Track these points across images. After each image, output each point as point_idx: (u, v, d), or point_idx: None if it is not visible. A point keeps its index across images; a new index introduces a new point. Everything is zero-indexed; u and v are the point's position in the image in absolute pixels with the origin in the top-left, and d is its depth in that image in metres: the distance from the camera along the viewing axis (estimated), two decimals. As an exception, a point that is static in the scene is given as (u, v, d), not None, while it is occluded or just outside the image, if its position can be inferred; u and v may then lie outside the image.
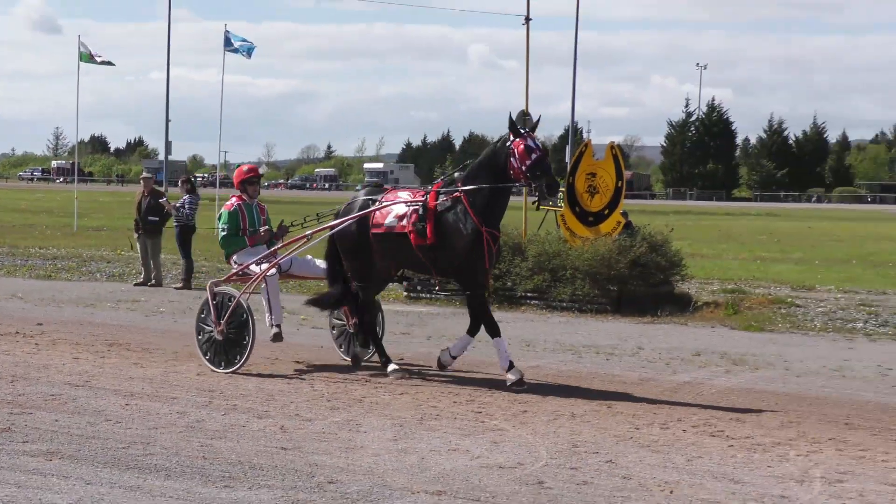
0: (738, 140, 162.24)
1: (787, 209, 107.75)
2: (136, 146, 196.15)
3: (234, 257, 14.90)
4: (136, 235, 25.42)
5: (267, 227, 14.98)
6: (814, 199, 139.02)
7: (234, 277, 14.99)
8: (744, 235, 50.50)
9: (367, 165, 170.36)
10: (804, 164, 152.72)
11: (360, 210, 14.46)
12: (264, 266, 14.46)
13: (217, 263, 29.26)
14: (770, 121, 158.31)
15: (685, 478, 9.55)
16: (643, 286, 21.43)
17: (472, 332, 13.97)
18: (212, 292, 14.46)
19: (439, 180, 14.73)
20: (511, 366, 13.48)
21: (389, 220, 14.05)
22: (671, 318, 20.40)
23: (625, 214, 23.13)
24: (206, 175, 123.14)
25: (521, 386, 13.26)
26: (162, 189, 26.07)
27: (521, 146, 13.63)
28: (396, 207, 14.09)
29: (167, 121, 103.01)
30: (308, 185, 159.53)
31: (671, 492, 9.11)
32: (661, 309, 21.02)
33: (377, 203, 14.32)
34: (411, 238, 13.74)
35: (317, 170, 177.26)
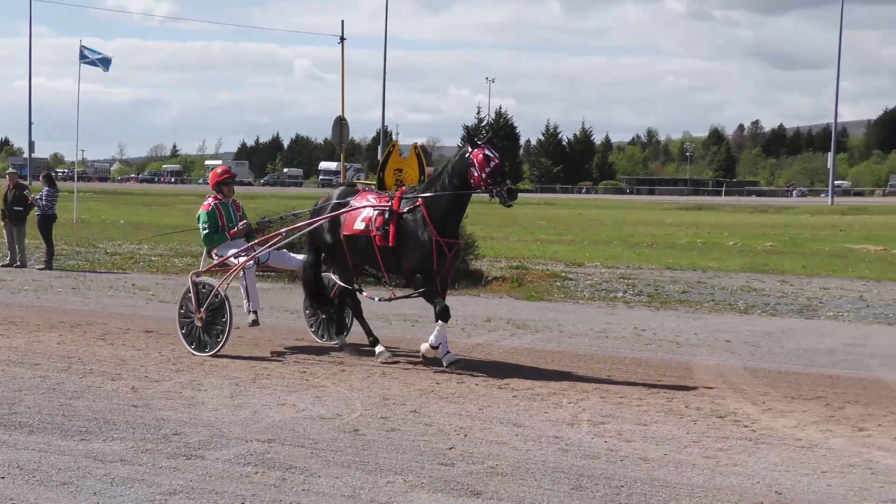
0: (521, 141, 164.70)
1: (562, 199, 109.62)
2: (3, 145, 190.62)
3: (215, 251, 14.17)
4: (2, 223, 24.70)
5: (245, 221, 14.40)
6: (583, 190, 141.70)
7: (214, 269, 14.12)
8: (526, 221, 51.11)
9: (208, 162, 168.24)
10: (575, 162, 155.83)
11: (332, 211, 13.62)
12: (242, 258, 13.62)
13: (76, 247, 28.60)
14: (547, 125, 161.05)
15: (477, 423, 9.65)
16: (442, 264, 21.58)
17: (437, 318, 12.79)
18: (192, 282, 13.40)
19: (403, 187, 14.01)
20: (446, 352, 12.64)
21: (357, 223, 13.21)
22: (466, 291, 20.57)
23: (427, 204, 23.24)
24: (65, 171, 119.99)
25: (456, 364, 12.49)
26: (26, 182, 25.37)
27: (480, 156, 12.96)
28: (365, 211, 13.27)
29: (30, 123, 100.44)
30: (156, 179, 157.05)
31: (465, 435, 9.19)
32: (458, 283, 21.16)
33: (349, 206, 13.49)
34: (376, 240, 12.96)
35: (164, 166, 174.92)
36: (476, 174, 12.93)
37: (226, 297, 13.08)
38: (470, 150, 13.18)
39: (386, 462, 8.25)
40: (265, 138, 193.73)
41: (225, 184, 14.34)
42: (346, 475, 7.87)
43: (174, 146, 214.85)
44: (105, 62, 40.81)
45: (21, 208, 24.24)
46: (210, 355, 12.82)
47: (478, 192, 13.14)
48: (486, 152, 13.05)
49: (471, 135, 13.40)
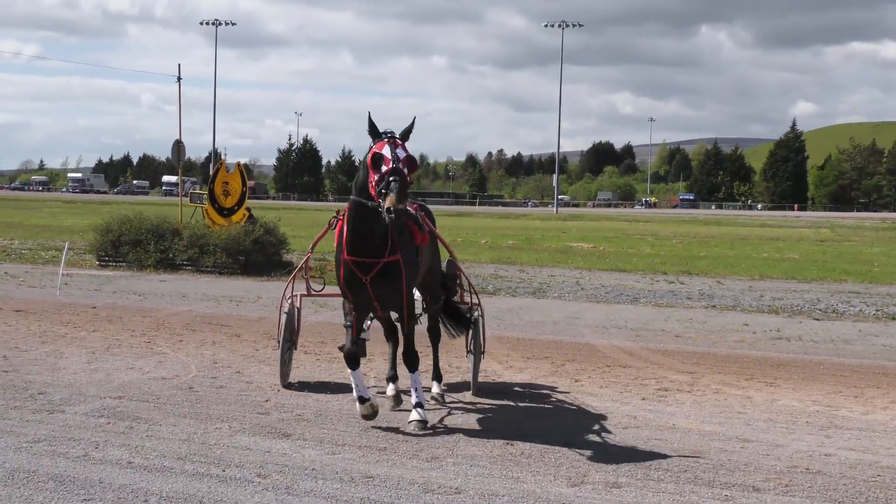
0: (324, 162, 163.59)
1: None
2: None
3: None
4: None
5: None
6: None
7: None
8: (325, 223, 50.82)
9: (70, 174, 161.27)
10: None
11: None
12: None
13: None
14: (343, 150, 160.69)
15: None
16: (262, 256, 21.27)
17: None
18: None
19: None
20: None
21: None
22: (280, 277, 20.27)
23: (248, 209, 22.85)
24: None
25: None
26: None
27: (371, 156, 7.43)
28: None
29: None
30: (26, 188, 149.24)
31: (278, 390, 9.06)
32: (273, 271, 20.89)
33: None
34: None
35: (33, 177, 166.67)
36: (372, 181, 7.39)
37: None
38: (370, 145, 7.59)
39: (215, 412, 8.04)
40: (118, 156, 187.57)
41: None
42: (182, 423, 7.63)
43: (41, 161, 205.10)
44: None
45: None
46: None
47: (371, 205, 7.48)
48: (379, 151, 7.40)
49: (372, 122, 7.64)
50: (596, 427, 7.99)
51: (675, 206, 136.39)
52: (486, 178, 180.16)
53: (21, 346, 10.96)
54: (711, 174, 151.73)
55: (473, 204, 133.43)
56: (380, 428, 7.68)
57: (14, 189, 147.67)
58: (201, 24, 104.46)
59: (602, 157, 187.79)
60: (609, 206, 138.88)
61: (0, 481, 5.98)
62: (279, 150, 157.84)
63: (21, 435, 7.08)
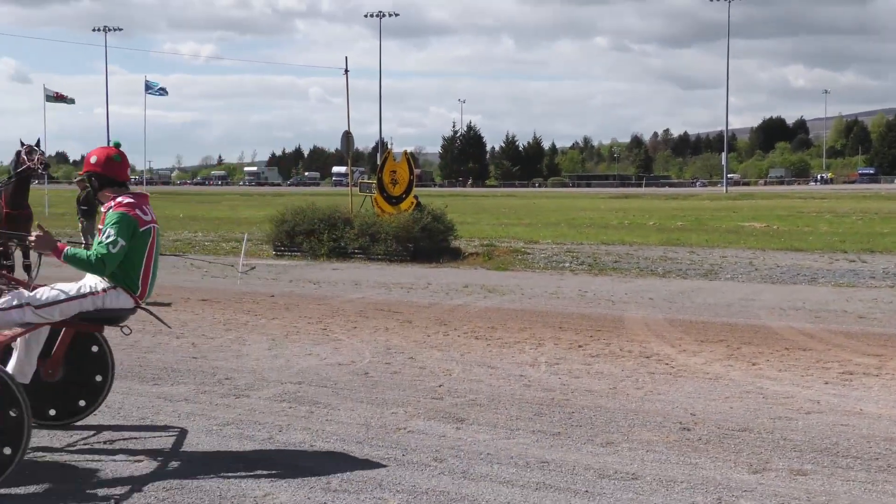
0: (488, 148, 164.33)
1: (520, 192, 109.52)
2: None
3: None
4: (79, 220, 24.62)
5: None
6: (536, 185, 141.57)
7: None
8: (492, 209, 51.05)
9: (246, 168, 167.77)
10: (529, 163, 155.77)
11: None
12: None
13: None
14: (506, 135, 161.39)
15: (459, 366, 9.60)
16: (430, 243, 21.54)
17: None
18: None
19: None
20: None
21: None
22: (448, 264, 20.52)
23: (416, 197, 23.19)
24: (136, 177, 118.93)
25: None
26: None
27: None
28: None
29: (108, 141, 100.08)
30: (206, 183, 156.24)
31: (450, 375, 9.15)
32: (442, 258, 21.15)
33: None
34: None
35: (212, 172, 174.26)
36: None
37: None
38: None
39: (390, 397, 8.20)
40: (289, 149, 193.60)
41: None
42: (360, 408, 7.81)
43: (220, 156, 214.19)
44: (162, 90, 40.73)
45: (86, 207, 24.17)
46: None
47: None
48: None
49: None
50: (776, 412, 7.71)
51: (853, 182, 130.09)
52: (652, 159, 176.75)
53: (207, 334, 11.49)
54: (893, 146, 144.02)
55: (640, 185, 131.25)
56: (553, 412, 7.66)
57: (196, 184, 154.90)
58: (365, 16, 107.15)
59: (773, 132, 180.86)
60: (781, 183, 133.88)
61: (195, 462, 6.29)
62: (444, 138, 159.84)
63: (211, 418, 7.42)
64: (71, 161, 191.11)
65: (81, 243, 23.58)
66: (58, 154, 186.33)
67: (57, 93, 42.53)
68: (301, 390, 8.44)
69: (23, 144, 13.98)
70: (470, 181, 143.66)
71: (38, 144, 14.05)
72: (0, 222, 13.64)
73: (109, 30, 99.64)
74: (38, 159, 13.65)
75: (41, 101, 41.40)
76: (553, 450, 6.63)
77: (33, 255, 7.65)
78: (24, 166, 13.77)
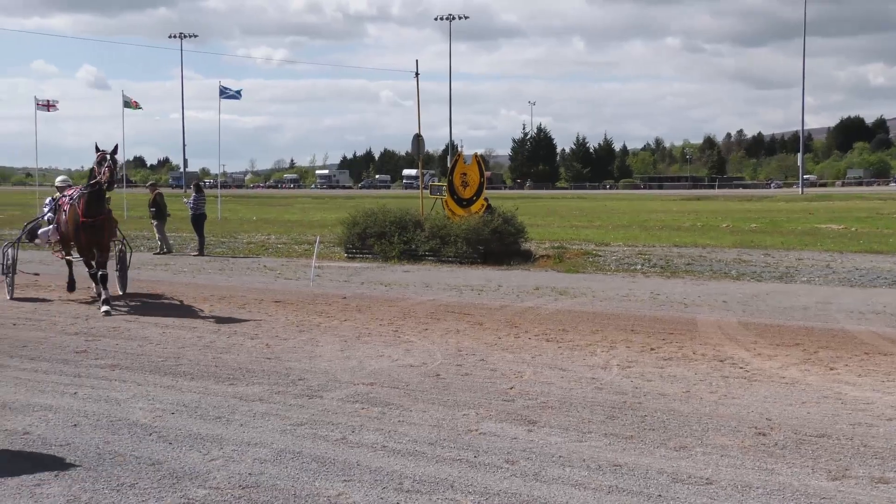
0: (558, 150, 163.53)
1: (590, 194, 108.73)
2: (165, 162, 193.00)
3: None
4: (153, 222, 25.13)
5: None
6: (607, 187, 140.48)
7: None
8: (563, 211, 50.80)
9: (318, 172, 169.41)
10: (600, 165, 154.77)
11: None
12: None
13: (221, 238, 28.85)
14: (577, 137, 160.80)
15: (531, 368, 9.58)
16: (500, 245, 21.50)
17: None
18: None
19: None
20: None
21: None
22: (519, 266, 20.48)
23: (487, 200, 23.18)
24: (211, 180, 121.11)
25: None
26: (161, 191, 25.82)
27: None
28: None
29: (184, 145, 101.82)
30: (279, 186, 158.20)
31: (522, 377, 9.13)
32: (512, 260, 21.11)
33: None
34: None
35: (284, 175, 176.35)
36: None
37: None
38: None
39: (461, 399, 8.22)
40: (360, 152, 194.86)
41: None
42: (432, 409, 7.84)
43: (292, 160, 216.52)
44: (237, 94, 41.37)
45: (155, 209, 24.66)
46: None
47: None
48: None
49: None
50: (856, 417, 7.54)
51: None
52: (725, 160, 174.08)
53: (281, 335, 11.64)
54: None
55: (713, 187, 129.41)
56: (626, 416, 7.60)
57: (269, 187, 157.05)
58: (436, 19, 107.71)
59: (851, 132, 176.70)
60: (860, 184, 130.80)
61: (270, 461, 6.38)
62: (514, 140, 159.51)
63: (286, 418, 7.51)
64: (148, 165, 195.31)
65: (158, 244, 24.10)
66: (135, 159, 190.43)
67: (133, 100, 43.45)
68: (373, 391, 8.50)
69: (97, 150, 13.81)
70: (529, 183, 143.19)
71: (115, 151, 13.95)
72: (78, 230, 13.78)
73: (185, 36, 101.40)
74: (103, 172, 13.48)
75: (120, 108, 42.33)
76: (625, 453, 6.58)
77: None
78: (95, 178, 13.66)
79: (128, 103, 42.66)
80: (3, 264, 15.16)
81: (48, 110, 46.93)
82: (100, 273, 13.77)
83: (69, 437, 6.91)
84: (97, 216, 13.76)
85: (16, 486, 5.84)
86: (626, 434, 7.08)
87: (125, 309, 14.05)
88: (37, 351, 10.50)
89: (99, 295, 14.05)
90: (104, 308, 13.43)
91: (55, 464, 6.28)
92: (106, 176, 13.47)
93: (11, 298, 14.69)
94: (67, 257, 15.27)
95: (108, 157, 13.65)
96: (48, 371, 9.38)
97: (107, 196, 14.18)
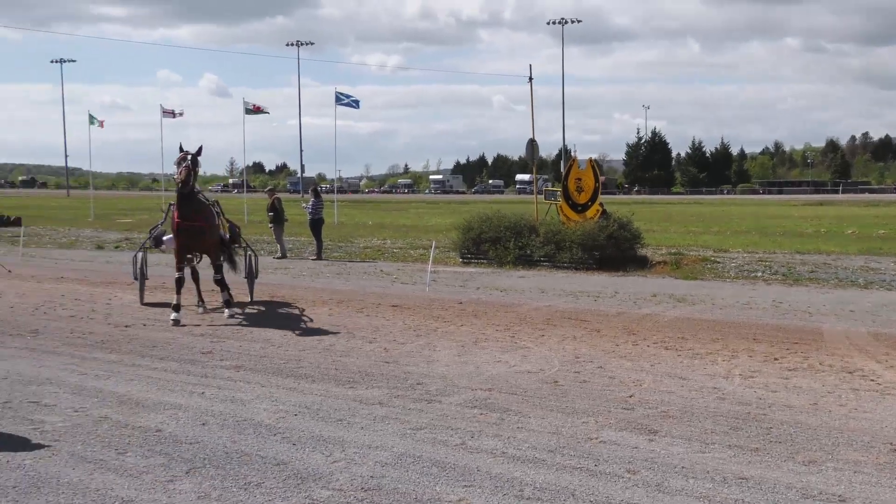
0: (673, 154, 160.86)
1: (707, 199, 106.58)
2: (283, 168, 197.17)
3: None
4: (270, 226, 25.71)
5: None
6: (724, 192, 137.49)
7: None
8: (679, 217, 49.92)
9: (431, 177, 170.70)
10: (717, 169, 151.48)
11: None
12: None
13: (338, 242, 29.32)
14: (693, 141, 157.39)
15: (650, 376, 9.45)
16: (616, 251, 21.27)
17: None
18: None
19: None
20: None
21: None
22: (635, 272, 20.21)
23: (602, 205, 22.95)
24: (328, 185, 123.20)
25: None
26: (279, 196, 26.34)
27: None
28: None
29: (301, 151, 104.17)
30: (393, 191, 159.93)
31: (641, 386, 9.01)
32: (628, 266, 20.85)
33: None
34: None
35: (399, 180, 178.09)
36: None
37: None
38: None
39: (580, 406, 8.16)
40: (474, 157, 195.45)
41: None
42: (550, 416, 7.81)
43: (406, 165, 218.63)
44: (356, 102, 42.01)
45: (272, 213, 25.17)
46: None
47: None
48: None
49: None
50: None
51: None
52: (850, 164, 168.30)
53: (398, 339, 11.76)
54: None
55: (836, 192, 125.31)
56: (750, 427, 7.41)
57: (383, 192, 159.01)
58: (548, 23, 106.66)
59: None
60: None
61: (391, 464, 6.45)
62: (628, 145, 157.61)
63: (405, 422, 7.59)
64: (266, 171, 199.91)
65: (276, 248, 24.62)
66: (254, 164, 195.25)
67: (255, 105, 44.60)
68: (491, 397, 8.51)
69: (181, 150, 13.39)
70: (636, 188, 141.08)
71: (198, 152, 13.45)
72: (176, 234, 13.60)
73: (302, 44, 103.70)
74: (179, 173, 13.10)
75: (240, 114, 43.55)
76: (751, 466, 6.42)
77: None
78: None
79: (249, 109, 43.81)
80: (134, 270, 15.62)
81: (173, 118, 48.63)
82: (215, 278, 13.86)
83: (198, 436, 7.12)
84: (193, 219, 13.38)
85: (150, 482, 6.05)
86: (751, 446, 6.90)
87: (244, 312, 14.40)
88: (166, 351, 10.86)
89: (200, 300, 14.53)
90: (227, 311, 13.68)
91: (186, 461, 6.49)
92: (181, 176, 13.07)
93: (143, 303, 15.08)
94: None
95: (188, 157, 13.21)
96: (177, 371, 9.70)
97: (211, 200, 14.24)
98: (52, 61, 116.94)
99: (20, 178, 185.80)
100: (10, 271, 17.00)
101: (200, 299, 14.75)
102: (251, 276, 15.96)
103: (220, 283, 13.98)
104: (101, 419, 7.62)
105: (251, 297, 15.66)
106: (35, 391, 8.66)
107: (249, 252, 16.11)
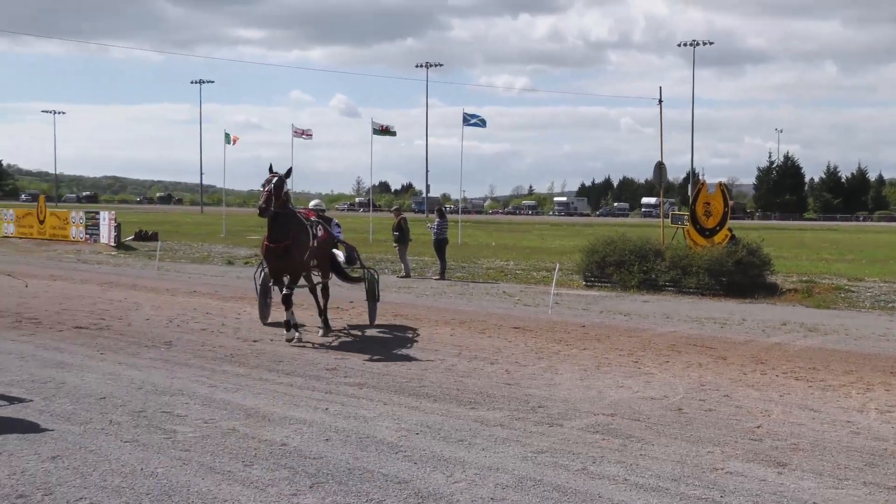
0: (806, 179, 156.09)
1: (842, 226, 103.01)
2: (408, 188, 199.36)
3: None
4: (395, 245, 26.01)
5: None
6: (860, 219, 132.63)
7: None
8: (812, 244, 48.38)
9: (556, 198, 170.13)
10: (853, 195, 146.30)
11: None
12: None
13: (461, 263, 29.47)
14: (828, 166, 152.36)
15: (779, 407, 9.17)
16: (744, 277, 20.73)
17: None
18: None
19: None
20: None
21: None
22: (764, 300, 19.67)
23: (731, 230, 22.45)
24: (452, 206, 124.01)
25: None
26: (405, 216, 26.63)
27: None
28: None
29: (426, 171, 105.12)
30: (518, 212, 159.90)
31: (769, 416, 8.75)
32: (757, 293, 20.30)
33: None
34: None
35: (523, 202, 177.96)
36: None
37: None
38: None
39: (705, 435, 7.97)
40: (599, 179, 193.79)
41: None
42: (674, 445, 7.65)
43: (530, 186, 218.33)
44: (482, 122, 42.36)
45: (398, 233, 25.43)
46: None
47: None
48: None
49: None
50: None
51: None
52: None
53: (520, 361, 11.73)
54: None
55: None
56: (887, 464, 7.10)
57: (507, 213, 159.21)
58: (679, 45, 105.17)
59: None
60: None
61: (511, 487, 6.43)
62: (758, 169, 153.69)
63: (526, 445, 7.55)
64: (392, 190, 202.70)
65: (400, 267, 24.88)
66: (380, 183, 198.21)
67: (382, 125, 45.38)
68: (614, 423, 8.40)
69: (270, 171, 12.99)
70: (759, 213, 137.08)
71: (287, 174, 13.16)
72: (265, 255, 13.42)
73: (431, 66, 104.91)
74: (260, 200, 12.90)
75: (367, 134, 44.48)
76: (888, 505, 6.15)
77: None
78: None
79: (377, 130, 44.61)
80: (255, 287, 15.88)
81: (303, 138, 49.87)
82: (283, 293, 13.38)
83: (322, 451, 7.25)
84: (280, 241, 13.00)
85: (275, 495, 6.19)
86: (888, 484, 6.62)
87: (366, 331, 14.60)
88: (292, 366, 11.10)
89: (288, 325, 13.51)
90: (288, 335, 13.14)
91: (310, 475, 6.61)
92: (261, 201, 12.82)
93: (266, 323, 14.91)
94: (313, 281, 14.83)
95: (273, 180, 12.79)
96: (302, 386, 9.90)
97: (309, 221, 13.73)
98: (191, 82, 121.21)
99: (158, 195, 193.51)
100: (26, 286, 17.63)
101: (324, 321, 14.39)
102: (371, 298, 15.55)
103: (286, 299, 13.36)
104: (229, 431, 7.83)
105: (371, 320, 15.27)
106: (168, 401, 8.97)
107: (371, 273, 15.84)
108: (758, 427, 8.31)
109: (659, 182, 25.05)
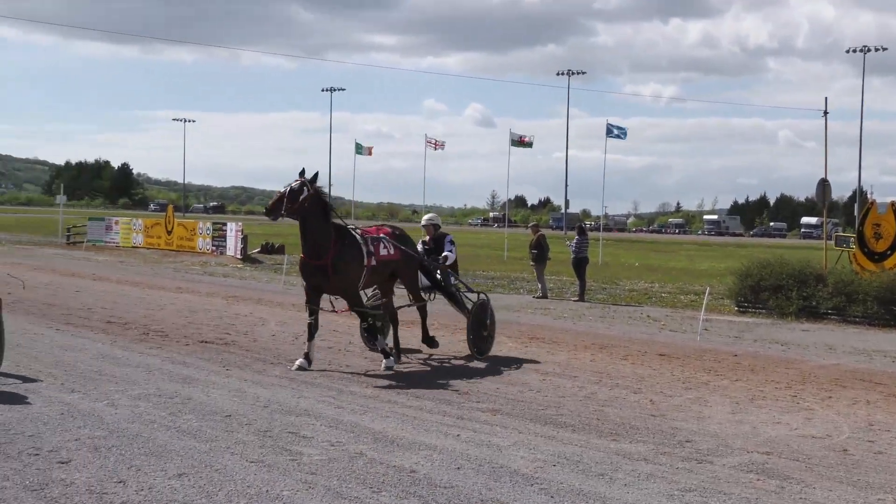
0: None
1: None
2: (546, 203, 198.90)
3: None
4: (532, 264, 25.97)
5: None
6: None
7: None
8: None
9: (706, 216, 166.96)
10: None
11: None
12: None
13: (602, 284, 29.20)
14: None
15: (959, 453, 8.75)
16: (919, 307, 19.91)
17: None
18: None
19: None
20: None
21: None
22: (941, 332, 18.83)
23: (904, 254, 21.61)
24: (592, 223, 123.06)
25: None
26: (543, 232, 26.48)
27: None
28: None
29: (566, 185, 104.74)
30: (663, 230, 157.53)
31: (948, 463, 8.36)
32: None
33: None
34: None
35: (669, 220, 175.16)
36: None
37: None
38: None
39: (874, 481, 7.67)
40: (753, 197, 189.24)
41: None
42: (838, 489, 7.39)
43: (678, 203, 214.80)
44: (623, 133, 42.13)
45: (535, 251, 25.33)
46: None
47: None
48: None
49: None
50: None
51: None
52: None
53: (666, 391, 11.54)
54: None
55: None
56: None
57: (652, 231, 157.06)
58: (847, 52, 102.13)
59: None
60: None
61: (655, 527, 6.33)
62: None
63: (672, 482, 7.41)
64: (528, 205, 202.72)
65: (537, 287, 24.79)
66: (516, 198, 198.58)
67: (521, 136, 45.53)
68: (770, 462, 8.17)
69: (300, 176, 12.39)
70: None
71: (313, 179, 12.43)
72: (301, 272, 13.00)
73: (572, 73, 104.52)
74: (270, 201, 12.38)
75: (503, 145, 44.91)
76: None
77: None
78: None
79: (515, 141, 44.78)
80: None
81: (435, 148, 50.48)
82: (363, 321, 13.20)
83: (453, 480, 7.29)
84: (318, 257, 12.32)
85: (403, 524, 6.25)
86: None
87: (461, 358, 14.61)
88: (421, 389, 11.21)
89: (426, 337, 13.66)
90: (385, 363, 12.60)
91: (439, 505, 6.65)
92: (271, 203, 12.30)
93: (371, 349, 14.24)
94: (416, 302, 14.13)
95: (297, 184, 12.21)
96: (432, 410, 9.98)
97: (365, 238, 12.87)
98: (322, 90, 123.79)
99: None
100: (23, 287, 18.10)
101: (426, 337, 13.97)
102: (473, 330, 13.88)
103: (368, 335, 13.48)
104: (356, 455, 7.96)
105: (474, 352, 13.84)
106: (293, 422, 9.18)
107: (481, 297, 14.55)
108: (934, 473, 7.95)
109: (822, 201, 24.29)
